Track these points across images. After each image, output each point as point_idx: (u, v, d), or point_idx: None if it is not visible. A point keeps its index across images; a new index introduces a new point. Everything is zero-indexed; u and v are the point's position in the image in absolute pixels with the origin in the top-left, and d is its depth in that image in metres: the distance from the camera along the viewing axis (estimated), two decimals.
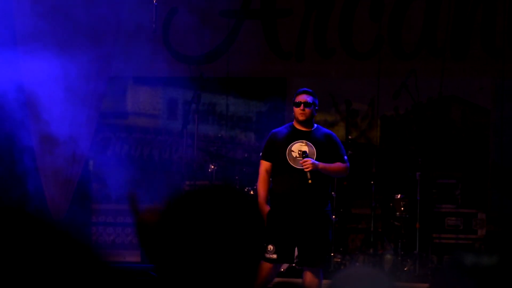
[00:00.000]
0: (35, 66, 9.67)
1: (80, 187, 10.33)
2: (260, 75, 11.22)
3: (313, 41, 11.17)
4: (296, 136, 7.62)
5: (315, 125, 7.73)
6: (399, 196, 9.70)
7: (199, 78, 9.66)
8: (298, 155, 7.49)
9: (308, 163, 7.40)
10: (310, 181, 7.37)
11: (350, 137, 10.11)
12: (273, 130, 7.77)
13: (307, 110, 7.62)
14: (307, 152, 7.51)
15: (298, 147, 7.55)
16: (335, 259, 9.53)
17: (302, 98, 7.69)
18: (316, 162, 7.47)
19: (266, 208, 7.43)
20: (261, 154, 7.72)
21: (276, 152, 7.56)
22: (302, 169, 7.40)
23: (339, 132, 10.85)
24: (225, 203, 1.99)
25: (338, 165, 7.56)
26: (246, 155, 10.45)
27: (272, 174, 7.59)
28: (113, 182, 10.68)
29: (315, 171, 7.40)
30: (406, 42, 10.91)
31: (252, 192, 9.73)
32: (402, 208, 9.64)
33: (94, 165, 10.90)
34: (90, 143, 10.28)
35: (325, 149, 7.59)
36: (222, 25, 11.17)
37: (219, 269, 1.94)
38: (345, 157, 7.60)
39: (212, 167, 9.80)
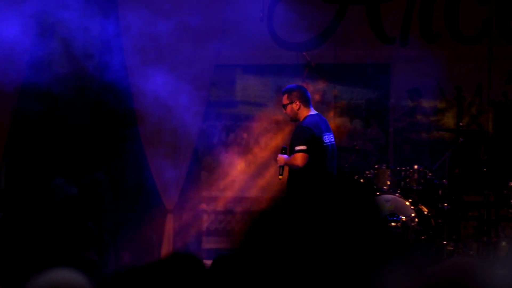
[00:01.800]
0: (141, 53, 9.81)
1: (190, 174, 10.46)
2: (364, 61, 11.13)
3: (418, 25, 11.02)
4: None
5: (305, 118, 7.83)
6: None
7: (307, 65, 9.65)
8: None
9: (277, 159, 7.87)
10: (280, 177, 7.67)
11: (461, 123, 9.95)
12: None
13: (286, 111, 7.96)
14: (287, 148, 7.89)
15: None
16: (448, 247, 9.45)
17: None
18: (282, 156, 7.75)
19: None
20: None
21: None
22: None
23: (447, 119, 10.74)
24: (337, 191, 1.98)
25: (292, 156, 7.62)
26: (354, 143, 10.40)
27: None
28: (221, 170, 10.80)
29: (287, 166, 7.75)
30: None
31: (362, 180, 9.72)
32: None
33: (202, 153, 11.02)
34: (198, 131, 10.39)
35: (291, 143, 7.86)
36: (326, 11, 11.11)
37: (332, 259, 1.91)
38: (296, 148, 7.66)
39: None
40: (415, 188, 9.70)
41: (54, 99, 11.09)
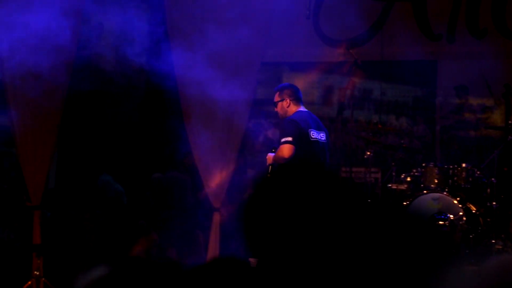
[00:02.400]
0: (185, 51, 9.84)
1: (236, 172, 10.47)
2: (411, 58, 11.07)
3: (465, 21, 10.93)
4: None
5: (292, 114, 7.77)
6: None
7: (354, 63, 9.61)
8: None
9: (266, 158, 7.81)
10: (268, 175, 7.48)
11: (510, 121, 9.83)
12: None
13: (276, 109, 7.96)
14: (277, 147, 7.72)
15: None
16: (497, 246, 9.36)
17: None
18: (271, 155, 7.71)
19: None
20: None
21: None
22: None
23: (495, 117, 10.64)
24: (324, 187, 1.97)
25: (277, 150, 7.60)
26: (401, 141, 10.33)
27: None
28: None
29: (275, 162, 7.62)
30: None
31: (409, 179, 9.67)
32: None
33: (248, 151, 11.03)
34: (244, 129, 10.40)
35: (279, 140, 7.71)
36: (373, 8, 11.07)
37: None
38: (282, 140, 7.57)
39: (368, 153, 9.76)
40: (463, 186, 9.62)
41: (102, 98, 11.19)
